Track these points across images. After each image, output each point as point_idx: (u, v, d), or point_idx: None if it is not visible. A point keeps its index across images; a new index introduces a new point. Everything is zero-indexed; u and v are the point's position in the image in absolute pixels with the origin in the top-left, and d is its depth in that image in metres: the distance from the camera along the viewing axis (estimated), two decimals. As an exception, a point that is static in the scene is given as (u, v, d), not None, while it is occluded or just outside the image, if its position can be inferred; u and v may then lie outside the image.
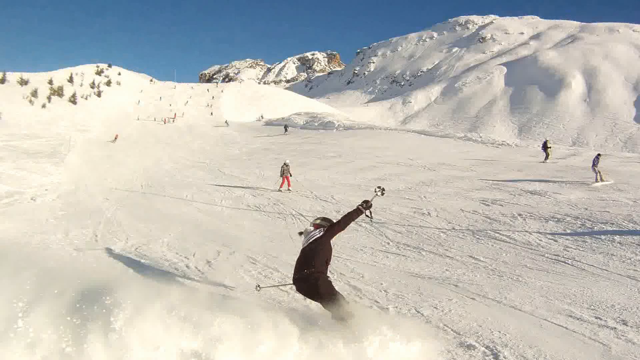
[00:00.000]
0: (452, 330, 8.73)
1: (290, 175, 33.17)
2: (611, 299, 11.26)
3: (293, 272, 8.11)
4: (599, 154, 31.82)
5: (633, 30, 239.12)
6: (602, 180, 28.78)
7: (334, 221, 8.72)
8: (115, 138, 71.56)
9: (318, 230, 8.47)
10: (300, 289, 8.00)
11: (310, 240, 8.36)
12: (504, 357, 7.66)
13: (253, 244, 18.14)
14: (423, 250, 16.63)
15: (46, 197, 31.91)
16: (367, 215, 8.70)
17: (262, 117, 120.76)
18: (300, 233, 9.08)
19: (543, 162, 41.17)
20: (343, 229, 8.61)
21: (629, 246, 16.78)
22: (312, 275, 7.84)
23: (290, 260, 14.46)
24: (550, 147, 43.22)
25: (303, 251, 8.32)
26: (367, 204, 8.71)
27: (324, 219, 8.96)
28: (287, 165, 33.21)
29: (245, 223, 23.34)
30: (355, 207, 8.77)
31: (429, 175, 33.33)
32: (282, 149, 59.97)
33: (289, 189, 32.30)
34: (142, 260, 15.28)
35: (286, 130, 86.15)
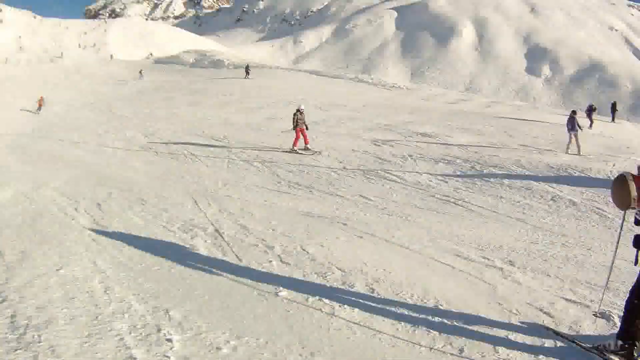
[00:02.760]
0: (336, 267, 8.85)
1: (307, 128, 25.15)
2: (499, 240, 11.60)
3: None
4: (574, 112, 27.29)
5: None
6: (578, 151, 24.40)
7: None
8: (39, 106, 48.17)
9: None
10: None
11: None
12: (388, 294, 7.80)
13: (144, 185, 18.00)
14: (314, 189, 16.84)
15: None
16: None
17: (151, 54, 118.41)
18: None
19: (589, 128, 35.54)
20: None
21: (517, 190, 17.30)
22: None
23: (181, 200, 14.49)
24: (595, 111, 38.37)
25: None
26: None
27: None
28: (301, 113, 25.09)
29: (138, 164, 23.00)
30: None
31: (320, 115, 33.32)
32: (172, 87, 59.04)
33: (307, 147, 24.48)
34: (32, 207, 14.83)
35: (248, 73, 67.53)
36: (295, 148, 24.20)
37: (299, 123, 24.56)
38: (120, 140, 29.97)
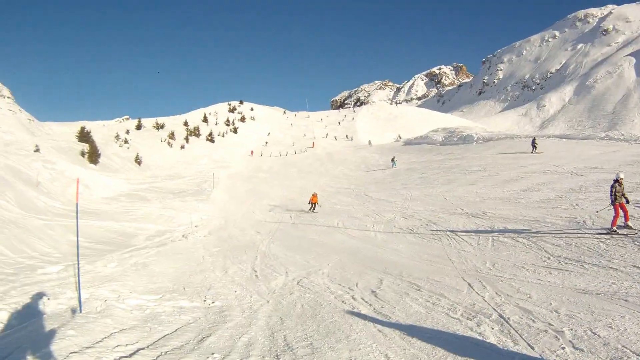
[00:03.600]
0: (631, 351, 8.53)
1: (627, 202, 20.36)
2: None
3: None
4: None
5: None
6: None
7: None
8: (312, 204, 43.34)
9: None
10: None
11: None
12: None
13: (413, 268, 18.11)
14: (585, 262, 16.16)
15: (197, 234, 32.58)
16: None
17: (399, 137, 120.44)
18: None
19: None
20: None
21: None
22: None
23: (454, 284, 14.46)
24: None
25: None
26: None
27: None
28: (619, 184, 20.23)
29: (401, 247, 23.24)
30: None
31: (577, 181, 32.27)
32: (424, 167, 59.47)
33: (627, 225, 19.85)
34: (307, 295, 15.41)
35: (534, 147, 55.83)
36: (614, 228, 19.60)
37: (617, 196, 19.97)
38: (380, 223, 30.64)
